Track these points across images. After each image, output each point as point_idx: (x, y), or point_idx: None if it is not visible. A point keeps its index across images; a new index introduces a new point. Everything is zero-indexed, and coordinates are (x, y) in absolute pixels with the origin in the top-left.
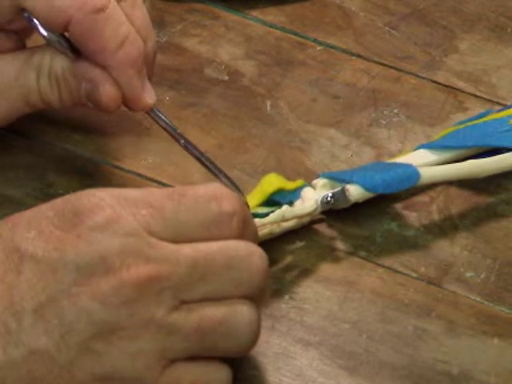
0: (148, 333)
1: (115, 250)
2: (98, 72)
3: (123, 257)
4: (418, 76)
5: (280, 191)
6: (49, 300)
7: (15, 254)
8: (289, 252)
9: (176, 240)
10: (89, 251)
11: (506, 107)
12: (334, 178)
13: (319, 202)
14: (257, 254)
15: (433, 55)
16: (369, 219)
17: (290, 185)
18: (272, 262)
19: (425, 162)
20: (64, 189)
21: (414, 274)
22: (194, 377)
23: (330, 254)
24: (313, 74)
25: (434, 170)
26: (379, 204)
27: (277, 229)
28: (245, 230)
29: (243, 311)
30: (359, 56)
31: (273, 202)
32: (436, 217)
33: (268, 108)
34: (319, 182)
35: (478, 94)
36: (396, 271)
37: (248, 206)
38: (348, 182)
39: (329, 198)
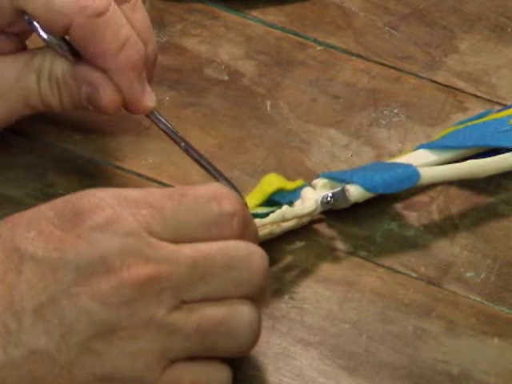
0: (148, 333)
1: (115, 250)
2: (99, 75)
3: (123, 257)
4: (417, 76)
5: (280, 191)
6: (49, 300)
7: (15, 254)
8: (289, 252)
9: (176, 240)
10: (89, 251)
11: (505, 107)
12: (334, 178)
13: (319, 202)
14: (257, 254)
15: (433, 55)
16: (369, 219)
17: (290, 185)
18: (272, 261)
19: (425, 162)
20: (64, 189)
21: (414, 274)
22: (194, 377)
23: (330, 254)
24: (313, 74)
25: (434, 170)
26: (379, 204)
27: (277, 229)
28: (245, 230)
29: (243, 311)
30: (359, 56)
31: (273, 202)
32: (436, 217)
33: (268, 108)
34: (319, 182)
35: (478, 94)
36: (396, 271)
37: (247, 207)
38: (348, 182)
39: (329, 198)
